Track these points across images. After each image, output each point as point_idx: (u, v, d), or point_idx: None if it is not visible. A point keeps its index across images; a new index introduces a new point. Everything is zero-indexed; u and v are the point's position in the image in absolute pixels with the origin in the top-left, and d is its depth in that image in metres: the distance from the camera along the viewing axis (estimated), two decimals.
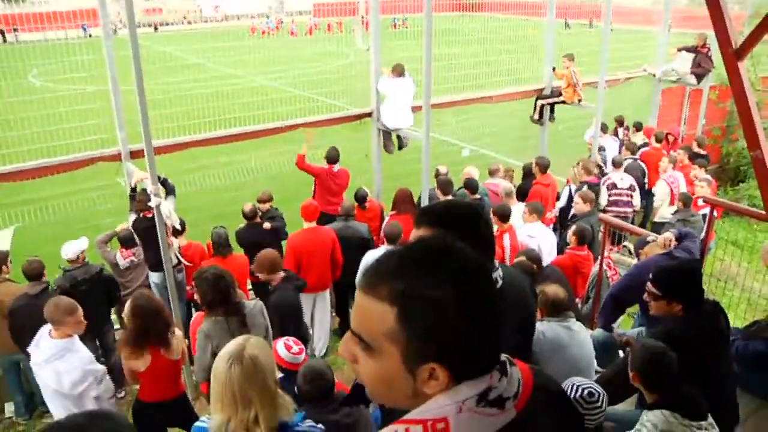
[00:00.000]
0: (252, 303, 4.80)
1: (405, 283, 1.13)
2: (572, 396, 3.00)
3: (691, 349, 3.08)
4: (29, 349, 4.56)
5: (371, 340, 1.17)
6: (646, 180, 9.46)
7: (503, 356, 1.24)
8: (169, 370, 4.63)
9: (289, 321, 5.43)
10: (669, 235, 4.84)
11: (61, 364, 4.37)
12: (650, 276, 3.54)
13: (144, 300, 4.47)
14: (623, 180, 8.95)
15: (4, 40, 25.61)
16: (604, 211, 8.43)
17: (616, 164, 9.17)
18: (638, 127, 11.18)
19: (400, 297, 1.13)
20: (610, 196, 8.88)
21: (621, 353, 4.78)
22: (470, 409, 1.13)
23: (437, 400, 1.15)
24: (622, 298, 4.83)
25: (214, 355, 4.38)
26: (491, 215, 6.74)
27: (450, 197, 7.58)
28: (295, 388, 3.45)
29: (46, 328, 4.48)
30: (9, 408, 6.46)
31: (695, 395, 3.03)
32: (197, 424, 2.48)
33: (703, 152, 10.23)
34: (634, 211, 9.10)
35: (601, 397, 3.04)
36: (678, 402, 3.00)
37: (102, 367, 4.66)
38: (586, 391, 3.03)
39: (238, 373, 2.31)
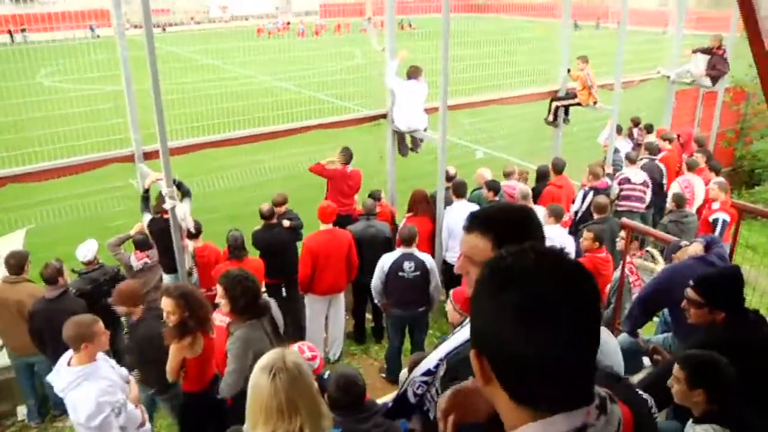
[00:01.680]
0: (270, 300, 4.72)
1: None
2: None
3: (738, 359, 2.97)
4: (50, 378, 4.35)
5: None
6: (664, 181, 9.33)
7: (602, 391, 1.14)
8: (213, 351, 4.67)
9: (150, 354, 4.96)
10: (698, 245, 4.74)
11: (77, 395, 4.12)
12: (691, 283, 3.44)
13: (186, 289, 4.56)
14: (637, 175, 8.90)
15: (12, 41, 25.61)
16: (615, 204, 8.40)
17: (631, 160, 9.14)
18: (649, 129, 11.08)
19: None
20: (622, 190, 8.84)
21: (646, 360, 4.69)
22: None
23: (528, 428, 1.07)
24: (652, 303, 4.72)
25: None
26: None
27: (464, 199, 7.52)
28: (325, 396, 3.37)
29: (66, 356, 4.27)
30: (22, 411, 6.39)
31: (746, 410, 2.91)
32: None
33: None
34: (646, 207, 9.02)
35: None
36: (730, 417, 2.88)
37: (121, 397, 4.31)
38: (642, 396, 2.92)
39: (284, 382, 2.24)
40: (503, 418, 1.13)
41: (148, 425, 4.69)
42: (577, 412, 1.06)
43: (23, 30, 25.05)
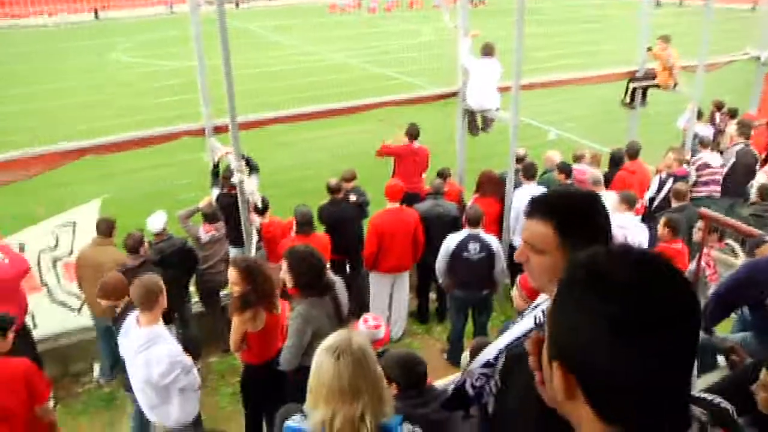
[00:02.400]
0: (336, 279, 4.70)
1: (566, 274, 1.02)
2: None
3: None
4: (119, 339, 4.58)
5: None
6: (757, 168, 8.82)
7: (699, 413, 1.04)
8: (278, 326, 4.70)
9: None
10: None
11: (151, 354, 4.33)
12: None
13: (252, 262, 4.60)
14: (715, 159, 8.57)
15: (97, 17, 26.47)
16: (691, 191, 8.00)
17: (705, 144, 8.80)
18: (733, 114, 10.48)
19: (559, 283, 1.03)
20: (700, 176, 8.47)
21: (720, 359, 4.45)
22: None
23: None
24: (731, 299, 4.45)
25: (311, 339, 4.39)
26: None
27: (534, 182, 7.33)
28: None
29: (133, 316, 4.48)
30: (97, 369, 6.66)
31: None
32: (289, 423, 2.36)
33: None
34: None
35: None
36: None
37: (189, 360, 4.62)
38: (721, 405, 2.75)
39: (348, 365, 2.19)
40: None
41: (199, 391, 4.85)
42: None
43: (104, 7, 25.86)
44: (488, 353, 2.12)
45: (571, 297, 0.99)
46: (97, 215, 6.48)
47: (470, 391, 2.21)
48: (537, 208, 1.80)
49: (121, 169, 7.85)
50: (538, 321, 1.92)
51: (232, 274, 4.49)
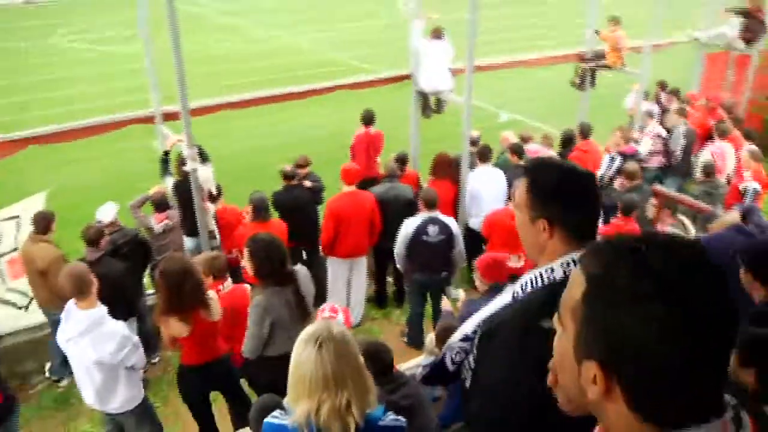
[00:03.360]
0: (302, 270, 4.64)
1: (604, 268, 0.98)
2: None
3: None
4: (59, 328, 4.43)
5: (562, 310, 1.06)
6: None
7: (731, 399, 1.01)
8: (211, 331, 4.55)
9: None
10: (735, 214, 4.57)
11: (101, 332, 4.27)
12: (731, 255, 3.29)
13: (172, 263, 4.37)
14: (663, 131, 9.08)
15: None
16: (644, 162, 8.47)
17: (651, 116, 9.23)
18: (676, 93, 10.78)
19: (593, 277, 0.99)
20: (653, 145, 8.91)
21: None
22: None
23: None
24: None
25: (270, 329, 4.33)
26: None
27: (489, 164, 7.37)
28: None
29: (70, 304, 4.35)
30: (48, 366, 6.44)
31: None
32: (269, 420, 2.28)
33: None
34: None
35: None
36: None
37: (136, 336, 4.59)
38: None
39: (331, 353, 2.14)
40: (571, 384, 1.03)
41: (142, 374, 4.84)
42: (712, 425, 0.94)
43: None
44: (466, 328, 2.13)
45: (613, 291, 0.95)
46: (42, 208, 6.25)
47: (450, 366, 2.22)
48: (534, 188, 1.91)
49: (69, 159, 7.56)
50: (515, 296, 1.93)
51: (157, 274, 4.39)
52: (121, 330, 4.40)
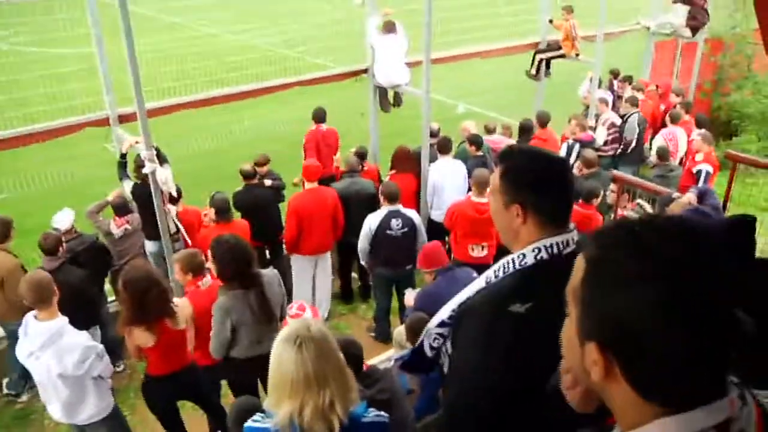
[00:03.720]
0: (270, 273, 4.60)
1: (601, 250, 0.99)
2: None
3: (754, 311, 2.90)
4: (18, 344, 4.28)
5: (568, 295, 1.06)
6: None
7: (734, 378, 1.01)
8: (177, 340, 4.46)
9: None
10: (691, 196, 4.71)
11: (62, 344, 4.14)
12: None
13: (135, 272, 4.27)
14: (617, 118, 9.31)
15: None
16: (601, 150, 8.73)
17: (606, 103, 9.46)
18: (629, 80, 11.01)
19: (591, 260, 1.00)
20: (609, 135, 9.08)
21: None
22: None
23: (663, 424, 0.94)
24: None
25: (233, 330, 4.28)
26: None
27: (449, 156, 7.39)
28: None
29: (28, 316, 4.21)
30: (5, 382, 6.23)
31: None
32: (249, 424, 2.23)
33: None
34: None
35: None
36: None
37: (100, 345, 4.44)
38: None
39: (311, 352, 2.10)
40: (620, 415, 1.01)
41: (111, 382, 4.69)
42: (719, 404, 0.94)
43: None
44: (442, 313, 2.14)
45: (609, 272, 0.96)
46: None
47: (429, 352, 2.22)
48: (509, 178, 1.93)
49: (19, 167, 7.33)
50: (488, 281, 1.94)
51: (119, 282, 4.29)
52: (84, 340, 4.27)
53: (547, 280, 1.79)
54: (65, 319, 4.24)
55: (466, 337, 1.92)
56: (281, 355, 2.13)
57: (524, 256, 1.85)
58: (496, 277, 1.91)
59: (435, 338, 2.19)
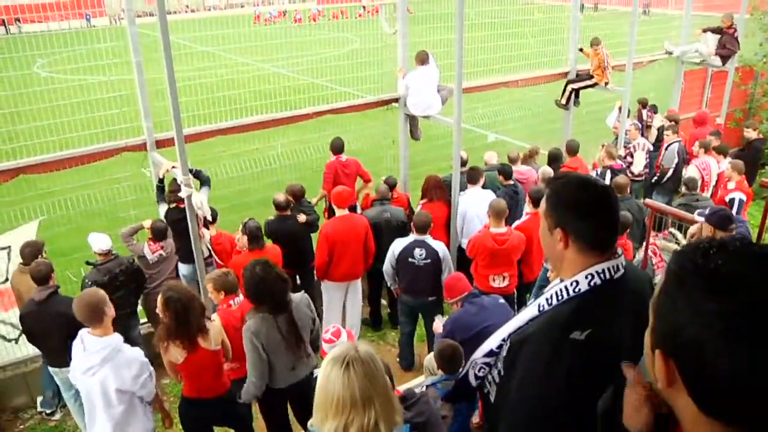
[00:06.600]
0: (298, 296, 4.63)
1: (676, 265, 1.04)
2: None
3: None
4: (73, 361, 4.30)
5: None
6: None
7: None
8: (209, 361, 4.51)
9: None
10: (698, 218, 4.66)
11: (120, 359, 4.22)
12: None
13: (176, 288, 4.40)
14: (649, 145, 9.59)
15: (7, 32, 25.24)
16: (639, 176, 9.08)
17: (638, 128, 9.79)
18: (655, 110, 10.98)
19: (668, 273, 1.06)
20: (647, 158, 9.36)
21: None
22: None
23: None
24: None
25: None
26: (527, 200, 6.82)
27: (478, 185, 7.40)
28: None
29: (83, 333, 4.25)
30: (40, 400, 6.34)
31: None
32: None
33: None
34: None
35: None
36: None
37: (151, 367, 4.49)
38: None
39: (359, 373, 2.13)
40: (686, 424, 1.04)
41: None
42: None
43: (17, 20, 24.72)
44: (491, 343, 2.14)
45: (678, 288, 0.99)
46: (34, 238, 6.18)
47: (473, 381, 2.22)
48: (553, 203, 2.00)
49: (58, 189, 7.50)
50: (541, 309, 1.94)
51: (158, 300, 4.37)
52: (140, 356, 4.37)
53: (602, 306, 1.80)
54: (120, 336, 4.32)
55: (524, 365, 1.92)
56: (329, 375, 2.16)
57: (577, 283, 1.86)
58: (549, 305, 1.92)
59: (481, 368, 2.19)
